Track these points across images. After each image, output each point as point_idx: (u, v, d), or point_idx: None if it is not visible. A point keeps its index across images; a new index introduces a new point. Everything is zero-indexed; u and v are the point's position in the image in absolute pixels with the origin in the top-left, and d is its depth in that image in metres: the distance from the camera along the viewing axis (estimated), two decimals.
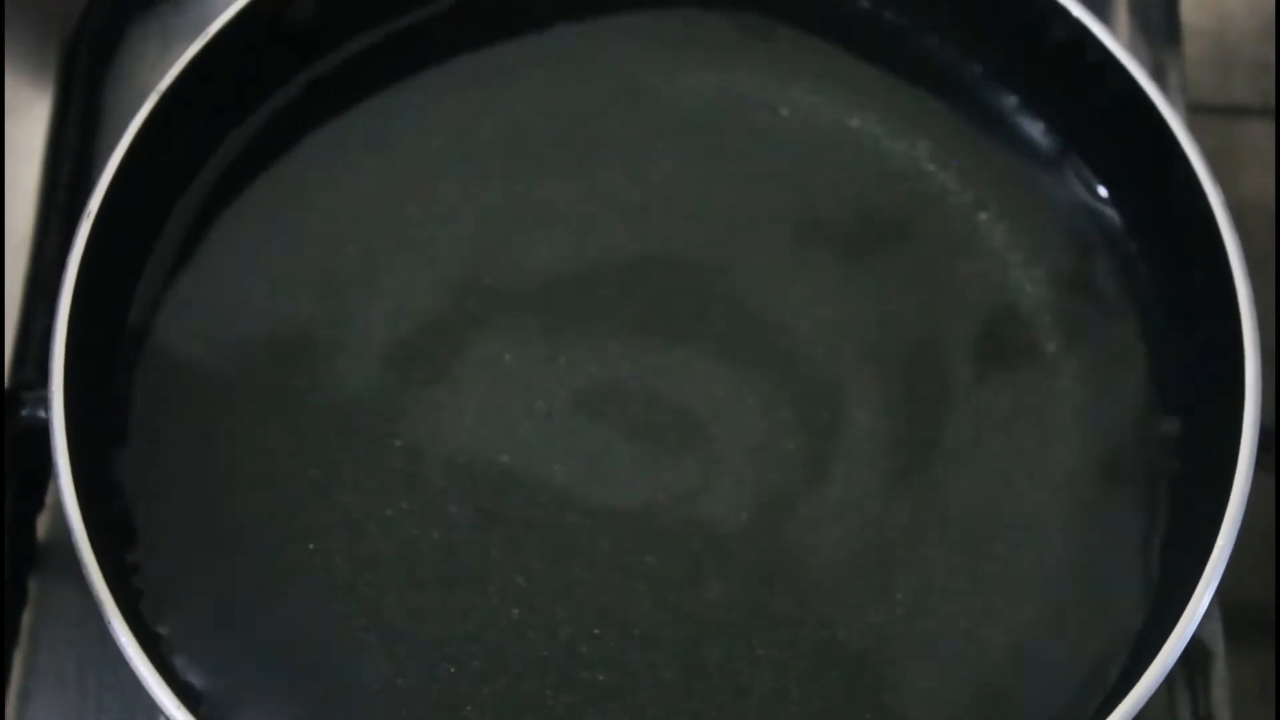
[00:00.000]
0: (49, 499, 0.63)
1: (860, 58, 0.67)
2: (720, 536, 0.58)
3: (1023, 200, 0.65)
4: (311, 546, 0.58)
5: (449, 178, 0.65)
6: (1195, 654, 0.61)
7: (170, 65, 0.61)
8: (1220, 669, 0.61)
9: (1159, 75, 0.69)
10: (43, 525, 0.63)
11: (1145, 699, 0.52)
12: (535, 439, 0.60)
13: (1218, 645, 0.61)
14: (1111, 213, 0.64)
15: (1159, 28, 0.71)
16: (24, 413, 0.59)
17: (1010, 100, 0.66)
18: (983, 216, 0.64)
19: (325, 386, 0.61)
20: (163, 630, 0.56)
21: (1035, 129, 0.66)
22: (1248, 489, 0.54)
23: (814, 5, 0.68)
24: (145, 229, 0.62)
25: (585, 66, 0.67)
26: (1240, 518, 0.54)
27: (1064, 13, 0.63)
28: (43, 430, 0.55)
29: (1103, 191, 0.65)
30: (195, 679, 0.55)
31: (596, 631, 0.57)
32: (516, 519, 0.58)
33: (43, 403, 0.56)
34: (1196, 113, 0.71)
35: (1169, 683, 0.61)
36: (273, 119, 0.65)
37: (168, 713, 0.52)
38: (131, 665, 0.52)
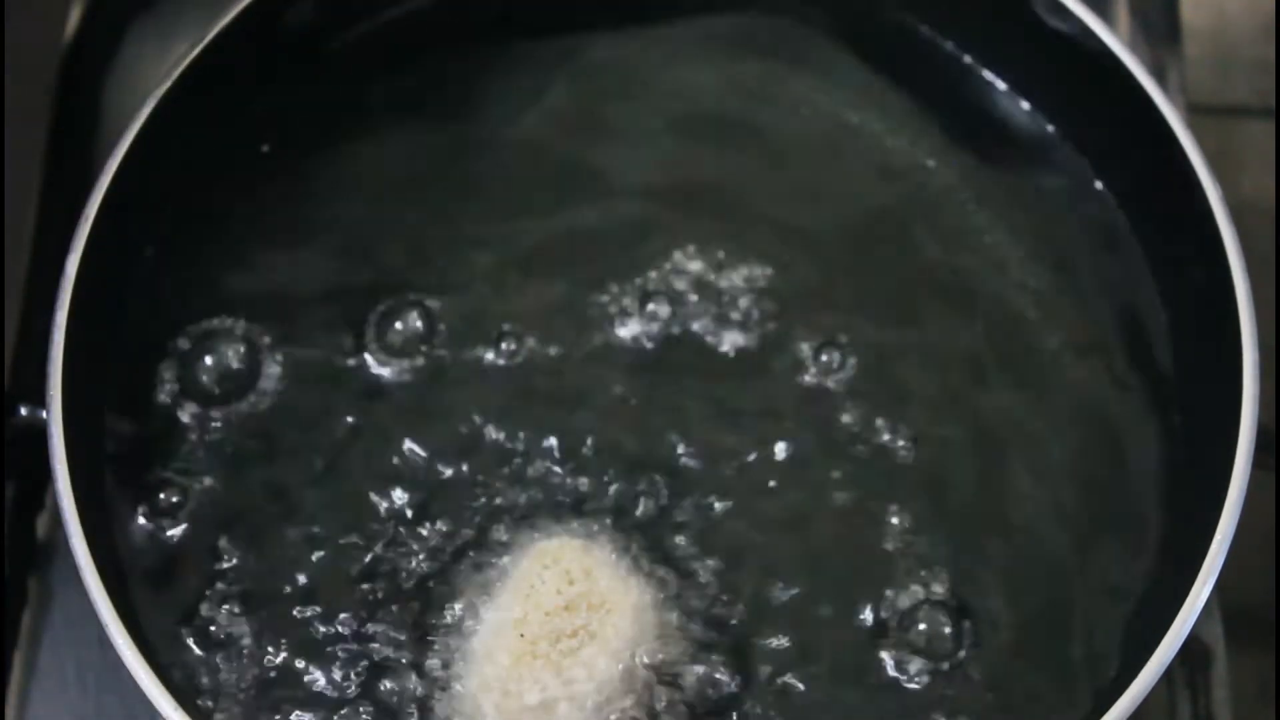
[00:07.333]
0: (48, 499, 0.63)
1: (861, 57, 0.67)
2: (717, 536, 0.58)
3: (1023, 200, 0.65)
4: (311, 549, 0.58)
5: (449, 177, 0.65)
6: (1195, 654, 0.61)
7: (170, 66, 0.61)
8: (1220, 669, 0.61)
9: (1159, 75, 0.69)
10: (42, 525, 0.63)
11: (1143, 696, 0.52)
12: (534, 440, 0.60)
13: (1218, 645, 0.61)
14: (1111, 212, 0.64)
15: (1159, 28, 0.71)
16: (23, 413, 0.60)
17: (1010, 100, 0.66)
18: (982, 215, 0.64)
19: (324, 386, 0.61)
20: (160, 633, 0.56)
21: (1035, 128, 0.66)
22: (1245, 486, 0.54)
23: (814, 6, 0.68)
24: (144, 229, 0.62)
25: (586, 64, 0.67)
26: (1238, 515, 0.54)
27: (1065, 13, 0.63)
28: (41, 431, 0.55)
29: (1103, 191, 0.65)
30: (192, 680, 0.55)
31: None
32: (514, 521, 0.59)
33: (42, 403, 0.56)
34: (1196, 113, 0.71)
35: (1169, 682, 0.61)
36: (272, 119, 0.65)
37: (165, 715, 0.52)
38: (128, 667, 0.52)
